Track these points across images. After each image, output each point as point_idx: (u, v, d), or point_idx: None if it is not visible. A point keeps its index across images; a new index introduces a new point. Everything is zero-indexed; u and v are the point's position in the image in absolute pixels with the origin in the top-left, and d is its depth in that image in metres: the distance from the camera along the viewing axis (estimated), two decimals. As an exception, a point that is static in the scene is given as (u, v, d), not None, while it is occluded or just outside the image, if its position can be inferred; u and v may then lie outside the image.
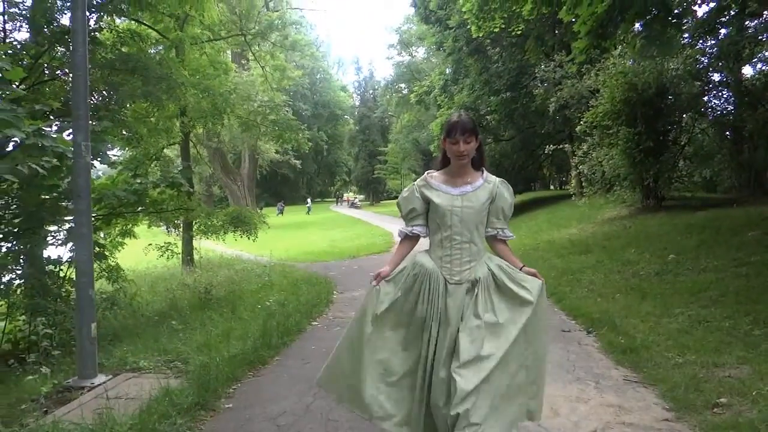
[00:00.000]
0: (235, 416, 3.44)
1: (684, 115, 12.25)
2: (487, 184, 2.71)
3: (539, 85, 17.58)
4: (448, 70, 23.54)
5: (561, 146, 15.06)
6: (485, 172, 2.75)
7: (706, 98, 12.14)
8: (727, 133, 12.58)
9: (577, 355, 4.36)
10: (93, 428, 2.98)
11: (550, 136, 19.77)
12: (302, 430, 3.17)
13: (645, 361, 3.97)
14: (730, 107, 12.53)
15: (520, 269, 2.65)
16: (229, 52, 19.18)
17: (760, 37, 10.86)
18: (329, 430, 3.14)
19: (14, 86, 5.21)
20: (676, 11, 6.37)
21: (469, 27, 12.80)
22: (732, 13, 10.63)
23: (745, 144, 12.33)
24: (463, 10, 11.63)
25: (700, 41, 11.27)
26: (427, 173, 2.80)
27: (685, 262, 6.90)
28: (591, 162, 13.16)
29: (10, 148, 5.63)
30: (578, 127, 13.33)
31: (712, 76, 12.15)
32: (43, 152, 4.21)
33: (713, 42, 11.57)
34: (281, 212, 46.03)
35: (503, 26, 11.50)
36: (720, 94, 12.38)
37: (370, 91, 65.67)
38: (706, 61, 11.63)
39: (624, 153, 11.79)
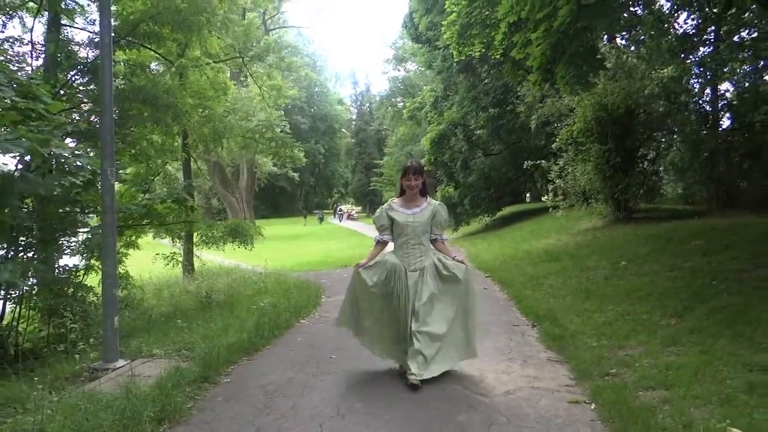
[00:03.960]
0: (233, 386, 4.31)
1: (654, 133, 13.09)
2: (429, 206, 4.31)
3: (522, 102, 18.52)
4: (442, 86, 24.36)
5: (538, 162, 15.89)
6: (428, 198, 4.38)
7: (678, 115, 12.87)
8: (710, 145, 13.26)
9: (517, 343, 5.23)
10: (122, 393, 3.81)
11: (537, 150, 20.52)
12: (284, 393, 4.03)
13: (569, 346, 4.83)
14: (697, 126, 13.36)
15: (453, 258, 4.27)
16: (227, 70, 20.05)
17: (735, 55, 11.79)
18: (305, 393, 4.01)
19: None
20: (599, 56, 7.39)
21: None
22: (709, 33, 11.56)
23: (715, 159, 13.13)
24: (445, 37, 12.53)
25: (678, 58, 12.06)
26: (391, 200, 4.48)
27: (632, 267, 7.76)
28: (567, 177, 14.02)
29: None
30: (554, 144, 14.18)
31: (681, 96, 12.96)
32: (81, 170, 5.10)
33: (693, 59, 12.44)
34: (321, 220, 49.97)
35: (482, 50, 12.33)
36: (685, 114, 13.17)
37: (367, 105, 66.80)
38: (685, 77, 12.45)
39: (596, 168, 12.67)
